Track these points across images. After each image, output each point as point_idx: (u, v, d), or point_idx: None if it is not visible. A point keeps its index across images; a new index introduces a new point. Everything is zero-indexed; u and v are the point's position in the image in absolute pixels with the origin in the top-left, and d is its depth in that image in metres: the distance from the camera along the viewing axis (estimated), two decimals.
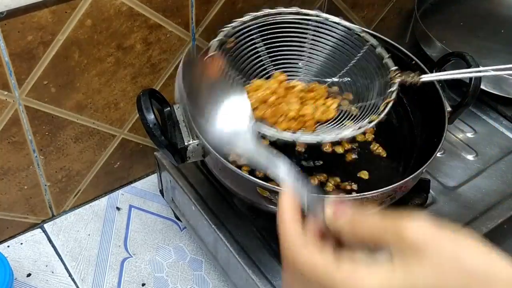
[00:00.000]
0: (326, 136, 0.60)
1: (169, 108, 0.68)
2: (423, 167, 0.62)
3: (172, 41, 0.77)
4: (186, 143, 0.64)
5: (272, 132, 0.58)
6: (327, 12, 0.72)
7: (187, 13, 0.76)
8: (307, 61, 0.72)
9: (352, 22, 0.82)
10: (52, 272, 0.76)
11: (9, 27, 0.62)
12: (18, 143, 0.71)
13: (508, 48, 0.97)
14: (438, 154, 0.66)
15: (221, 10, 0.80)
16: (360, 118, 0.64)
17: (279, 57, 0.71)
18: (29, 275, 0.76)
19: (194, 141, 0.64)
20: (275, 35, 0.70)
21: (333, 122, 0.65)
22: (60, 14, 0.64)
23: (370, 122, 0.61)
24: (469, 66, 0.71)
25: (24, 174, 0.75)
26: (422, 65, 0.74)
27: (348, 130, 0.60)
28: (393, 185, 0.60)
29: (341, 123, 0.65)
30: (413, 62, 0.75)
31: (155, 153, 0.78)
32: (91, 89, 0.73)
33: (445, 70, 0.80)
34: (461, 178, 0.78)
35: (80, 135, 0.77)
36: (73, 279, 0.76)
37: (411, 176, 0.62)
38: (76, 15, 0.66)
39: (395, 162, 0.74)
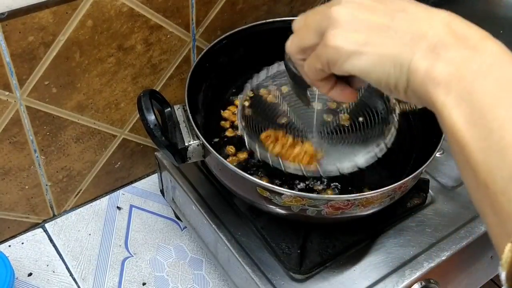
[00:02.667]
0: (344, 165, 0.60)
1: (169, 109, 0.68)
2: (423, 167, 0.63)
3: (173, 42, 0.78)
4: (186, 144, 0.64)
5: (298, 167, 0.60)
6: None
7: (188, 13, 0.76)
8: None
9: None
10: (53, 272, 0.76)
11: (10, 27, 0.62)
12: (19, 143, 0.71)
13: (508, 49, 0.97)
14: (437, 154, 0.66)
15: (221, 11, 0.80)
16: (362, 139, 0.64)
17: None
18: (30, 274, 0.76)
19: (194, 142, 0.64)
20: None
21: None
22: (61, 14, 0.65)
23: (377, 146, 0.61)
24: None
25: (25, 174, 0.75)
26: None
27: (361, 157, 0.60)
28: (392, 185, 0.60)
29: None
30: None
31: (155, 153, 0.79)
32: (92, 90, 0.74)
33: None
34: (460, 178, 0.78)
35: (81, 135, 0.77)
36: (74, 279, 0.76)
37: (410, 176, 0.62)
38: (77, 16, 0.66)
39: (394, 162, 0.74)
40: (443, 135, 0.66)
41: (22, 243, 0.80)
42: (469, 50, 0.35)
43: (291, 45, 0.44)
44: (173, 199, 0.79)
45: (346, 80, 0.45)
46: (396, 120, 0.63)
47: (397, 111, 0.64)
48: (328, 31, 0.39)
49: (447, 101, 0.34)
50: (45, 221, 0.82)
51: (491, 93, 0.32)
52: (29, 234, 0.81)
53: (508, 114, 0.32)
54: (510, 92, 0.32)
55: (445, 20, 0.37)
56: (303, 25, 0.43)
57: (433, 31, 0.36)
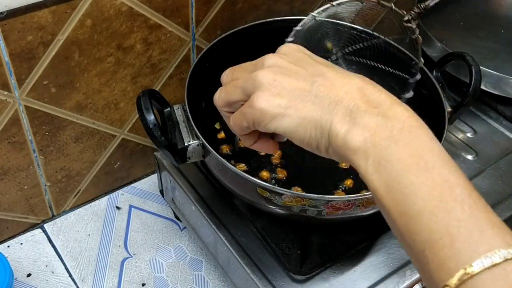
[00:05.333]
0: None
1: (169, 109, 0.68)
2: None
3: (172, 41, 0.77)
4: (186, 144, 0.64)
5: None
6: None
7: (187, 13, 0.76)
8: None
9: (352, 22, 0.82)
10: (52, 272, 0.76)
11: (9, 27, 0.62)
12: (18, 143, 0.71)
13: (508, 48, 0.97)
14: None
15: (221, 10, 0.80)
16: None
17: None
18: (29, 275, 0.76)
19: (194, 142, 0.64)
20: None
21: None
22: (60, 14, 0.64)
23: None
24: (469, 66, 0.71)
25: (24, 174, 0.75)
26: (422, 65, 0.74)
27: None
28: None
29: None
30: (414, 62, 0.75)
31: (155, 153, 0.78)
32: (91, 89, 0.73)
33: (445, 70, 0.80)
34: None
35: (80, 135, 0.77)
36: (73, 279, 0.76)
37: None
38: (76, 15, 0.66)
39: None
40: (443, 137, 0.66)
41: (21, 244, 0.79)
42: (381, 116, 0.37)
43: (218, 99, 0.46)
44: (172, 199, 0.79)
45: (270, 133, 0.47)
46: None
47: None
48: (254, 93, 0.42)
49: (366, 167, 0.36)
50: (44, 221, 0.82)
51: (402, 159, 0.35)
52: (28, 234, 0.81)
53: (418, 179, 0.34)
54: (418, 157, 0.35)
55: (358, 86, 0.39)
56: (231, 82, 0.46)
57: (348, 96, 0.39)
